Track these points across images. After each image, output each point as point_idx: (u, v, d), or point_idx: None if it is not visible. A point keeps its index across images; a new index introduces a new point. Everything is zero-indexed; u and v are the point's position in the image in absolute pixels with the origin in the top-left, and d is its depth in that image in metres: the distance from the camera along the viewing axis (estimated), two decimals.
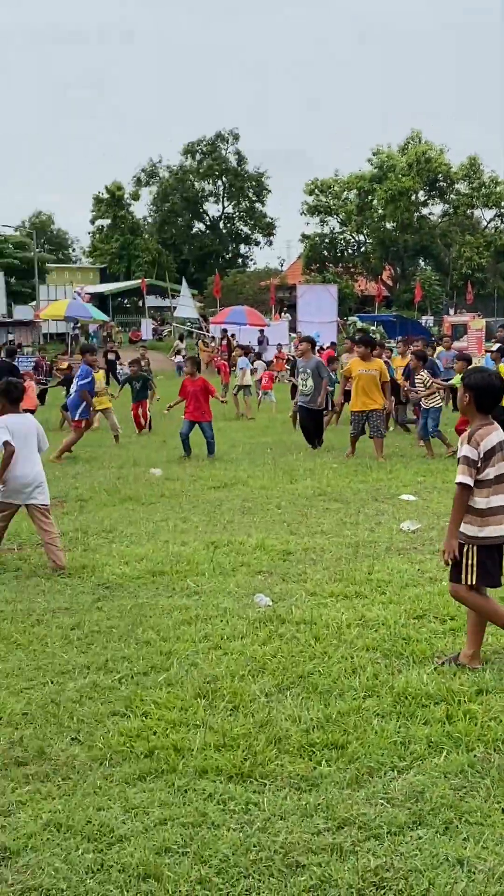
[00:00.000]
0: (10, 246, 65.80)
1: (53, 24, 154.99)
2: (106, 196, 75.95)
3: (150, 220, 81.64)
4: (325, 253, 70.55)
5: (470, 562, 5.41)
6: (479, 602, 5.50)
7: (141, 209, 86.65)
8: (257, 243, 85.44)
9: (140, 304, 63.80)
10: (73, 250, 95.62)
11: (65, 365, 26.26)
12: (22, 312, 54.96)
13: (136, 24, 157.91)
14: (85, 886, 3.51)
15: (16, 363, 21.53)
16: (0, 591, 7.55)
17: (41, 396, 23.67)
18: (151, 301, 63.22)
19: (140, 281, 59.15)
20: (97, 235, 78.15)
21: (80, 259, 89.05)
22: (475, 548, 5.39)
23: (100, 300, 59.47)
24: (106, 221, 77.07)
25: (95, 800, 4.12)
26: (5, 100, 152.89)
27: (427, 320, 56.91)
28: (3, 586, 7.76)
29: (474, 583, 5.43)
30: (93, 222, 79.06)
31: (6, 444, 8.00)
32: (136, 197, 78.95)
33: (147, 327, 57.01)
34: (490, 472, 5.38)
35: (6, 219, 74.61)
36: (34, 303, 57.43)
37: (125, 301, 71.67)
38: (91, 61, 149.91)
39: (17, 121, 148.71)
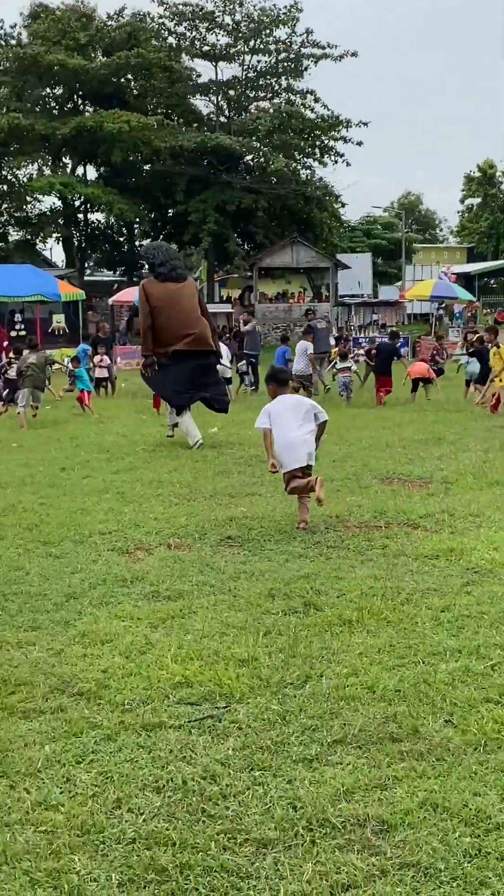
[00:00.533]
0: (379, 227, 66.88)
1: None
2: (477, 174, 74.64)
3: None
4: None
5: None
6: None
7: None
8: None
9: None
10: (441, 230, 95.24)
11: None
12: (387, 293, 55.64)
13: None
14: (462, 869, 3.50)
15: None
16: (369, 568, 7.71)
17: None
18: None
19: None
20: (466, 214, 77.12)
21: (447, 239, 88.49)
22: None
23: (466, 280, 58.75)
24: (476, 200, 75.81)
25: (471, 784, 4.10)
26: (380, 81, 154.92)
27: None
28: (372, 563, 7.92)
29: None
30: (462, 201, 78.13)
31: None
32: None
33: None
34: None
35: (376, 200, 75.85)
36: (400, 283, 57.91)
37: (492, 281, 70.23)
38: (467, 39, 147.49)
39: (390, 101, 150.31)
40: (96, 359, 25.31)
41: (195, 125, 51.64)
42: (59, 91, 50.06)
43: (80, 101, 50.71)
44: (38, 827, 3.86)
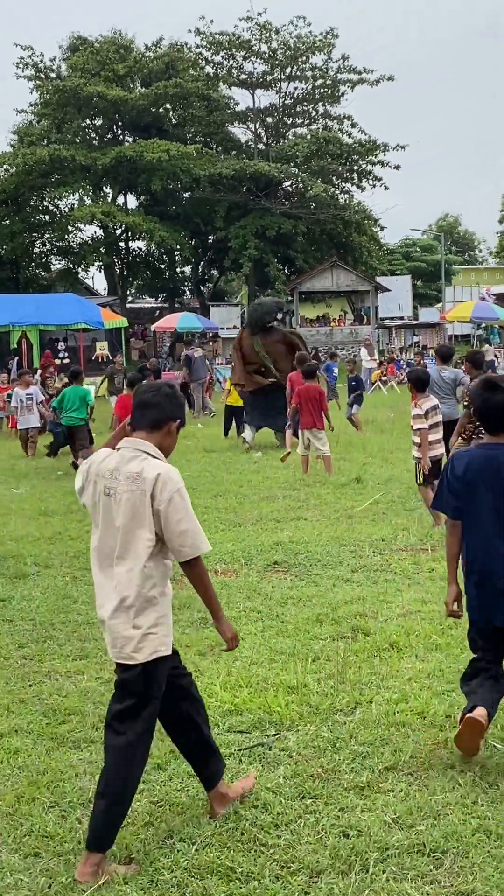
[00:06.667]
0: (418, 249, 66.73)
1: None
2: None
3: None
4: None
5: None
6: None
7: None
8: None
9: None
10: (480, 251, 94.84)
11: None
12: (427, 315, 55.47)
13: None
14: None
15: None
16: (417, 592, 7.67)
17: None
18: None
19: None
20: None
21: (486, 260, 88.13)
22: None
23: None
24: None
25: None
26: (416, 103, 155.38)
27: None
28: (419, 586, 7.88)
29: None
30: (501, 222, 77.74)
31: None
32: None
33: None
34: None
35: (414, 222, 75.81)
36: (440, 305, 57.73)
37: None
38: None
39: (426, 123, 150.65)
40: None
41: (234, 152, 52.04)
42: (98, 122, 50.75)
43: (119, 132, 51.36)
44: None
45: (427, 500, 10.15)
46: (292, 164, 49.05)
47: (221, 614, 4.08)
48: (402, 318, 51.94)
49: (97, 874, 3.69)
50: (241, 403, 19.00)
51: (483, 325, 46.75)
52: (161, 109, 50.55)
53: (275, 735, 4.97)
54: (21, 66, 48.81)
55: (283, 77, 50.62)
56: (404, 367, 30.93)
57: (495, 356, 30.38)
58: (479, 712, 4.40)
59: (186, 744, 4.17)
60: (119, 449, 3.99)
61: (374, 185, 51.15)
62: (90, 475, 4.00)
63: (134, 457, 3.90)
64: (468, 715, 4.43)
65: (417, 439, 10.32)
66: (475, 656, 4.79)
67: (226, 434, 20.07)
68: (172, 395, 4.09)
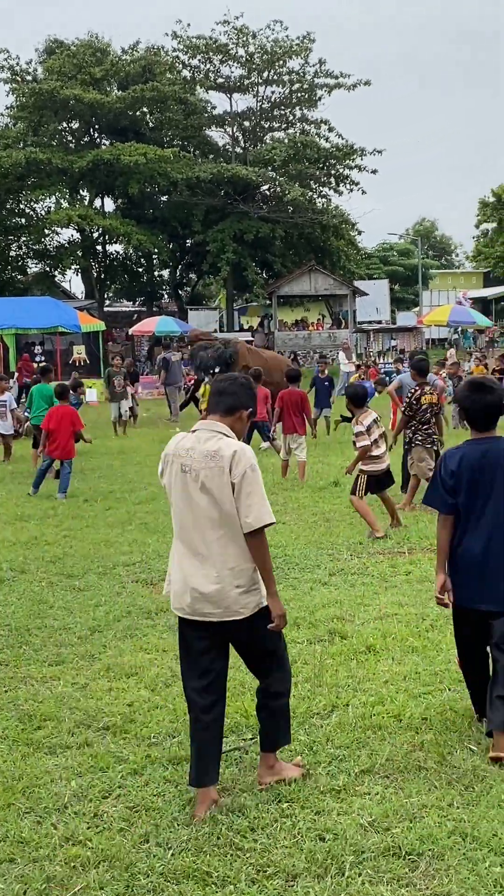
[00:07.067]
0: (395, 254, 67.04)
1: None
2: (492, 200, 74.77)
3: None
4: None
5: None
6: None
7: None
8: None
9: None
10: (457, 255, 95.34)
11: None
12: (405, 319, 55.69)
13: None
14: None
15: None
16: (394, 595, 7.69)
17: None
18: None
19: None
20: (481, 240, 77.21)
21: (463, 264, 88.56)
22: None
23: (483, 305, 58.75)
24: (491, 225, 75.87)
25: (501, 813, 4.07)
26: (393, 108, 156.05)
27: None
28: (396, 589, 7.90)
29: None
30: (477, 226, 78.23)
31: None
32: None
33: None
34: None
35: (391, 227, 76.12)
36: (417, 309, 57.98)
37: None
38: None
39: (403, 128, 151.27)
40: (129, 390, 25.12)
41: (211, 156, 52.02)
42: (75, 125, 50.54)
43: (96, 135, 51.17)
44: (66, 862, 3.86)
45: (359, 510, 10.18)
46: (270, 168, 49.08)
47: (274, 590, 4.34)
48: (379, 322, 52.12)
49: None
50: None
51: (459, 328, 47.01)
52: (138, 113, 50.44)
53: (251, 739, 4.97)
54: None
55: (260, 81, 50.66)
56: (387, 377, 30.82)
57: (458, 361, 30.62)
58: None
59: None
60: (194, 431, 4.39)
61: (352, 190, 51.26)
62: (167, 457, 4.43)
63: (210, 437, 4.31)
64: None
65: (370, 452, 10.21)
66: (467, 669, 5.05)
67: None
68: (247, 385, 4.54)
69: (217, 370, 19.07)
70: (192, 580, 4.27)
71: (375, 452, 10.10)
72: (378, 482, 10.30)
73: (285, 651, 4.59)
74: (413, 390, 11.55)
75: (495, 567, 4.82)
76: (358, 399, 10.41)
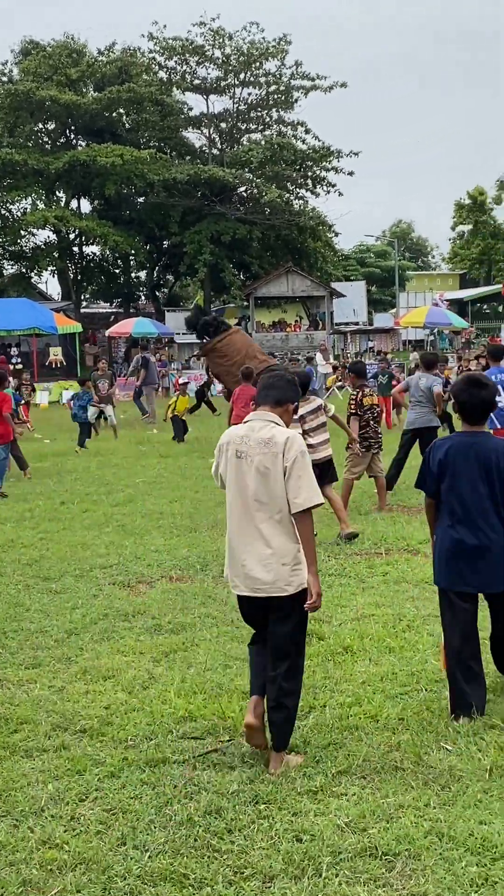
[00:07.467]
0: (372, 255, 67.23)
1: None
2: (467, 202, 75.18)
3: None
4: None
5: None
6: None
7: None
8: None
9: (500, 309, 62.50)
10: (433, 257, 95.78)
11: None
12: (382, 320, 55.87)
13: None
14: None
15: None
16: (371, 596, 7.72)
17: None
18: None
19: (501, 286, 57.91)
20: (457, 241, 77.62)
21: (439, 266, 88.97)
22: None
23: (459, 306, 59.01)
24: (467, 227, 76.31)
25: (476, 812, 4.09)
26: (369, 111, 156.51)
27: None
28: (373, 590, 7.93)
29: None
30: (453, 228, 78.66)
31: None
32: (498, 201, 77.39)
33: None
34: None
35: (368, 229, 76.36)
36: (394, 310, 58.17)
37: (485, 307, 70.52)
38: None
39: (379, 130, 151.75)
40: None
41: (188, 157, 51.96)
42: (51, 126, 50.36)
43: (72, 136, 50.99)
44: (42, 865, 3.85)
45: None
46: (247, 170, 49.07)
47: (315, 568, 4.68)
48: (357, 324, 52.26)
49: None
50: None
51: (435, 330, 47.21)
52: (114, 114, 50.31)
53: (229, 741, 4.97)
54: None
55: (236, 83, 50.64)
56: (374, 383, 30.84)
57: (417, 365, 31.03)
58: None
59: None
60: (247, 421, 4.85)
61: (329, 192, 51.37)
62: (222, 447, 4.89)
63: (264, 426, 4.75)
64: None
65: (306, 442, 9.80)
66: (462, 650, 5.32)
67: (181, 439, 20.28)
68: (292, 381, 5.03)
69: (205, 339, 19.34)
70: (244, 558, 4.70)
71: (311, 441, 9.50)
72: (319, 473, 9.68)
73: (304, 649, 4.94)
74: (355, 393, 11.51)
75: (474, 553, 5.20)
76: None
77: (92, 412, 21.68)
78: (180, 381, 24.03)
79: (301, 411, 9.63)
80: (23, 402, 22.52)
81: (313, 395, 10.26)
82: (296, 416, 9.71)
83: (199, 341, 18.75)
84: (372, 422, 11.36)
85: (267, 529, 4.65)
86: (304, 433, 9.65)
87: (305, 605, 4.62)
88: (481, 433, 5.35)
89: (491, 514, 5.18)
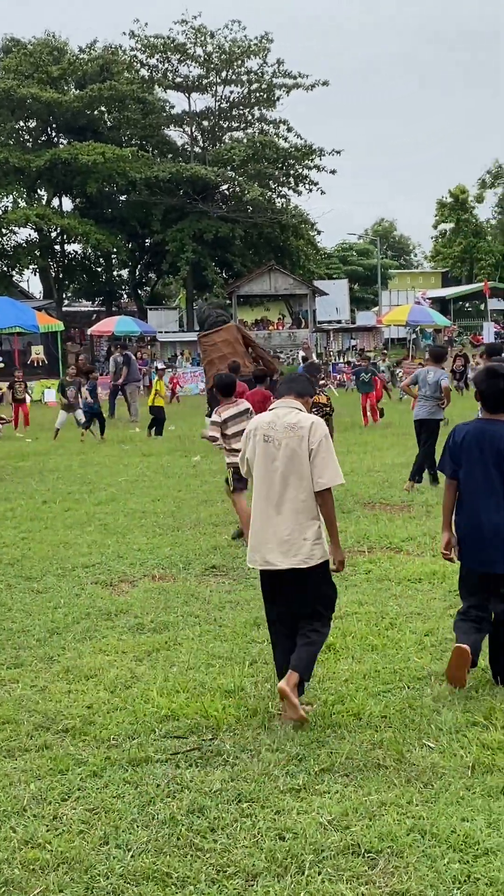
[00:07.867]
0: (354, 254, 67.39)
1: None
2: (449, 200, 75.38)
3: (493, 222, 79.98)
4: None
5: None
6: None
7: (485, 212, 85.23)
8: None
9: (482, 307, 62.70)
10: (415, 255, 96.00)
11: None
12: (364, 318, 55.99)
13: None
14: None
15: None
16: (354, 594, 7.72)
17: None
18: (494, 304, 61.91)
19: (483, 284, 58.15)
20: (440, 240, 77.80)
21: (421, 264, 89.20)
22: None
23: (441, 304, 59.18)
24: (449, 225, 76.50)
25: (459, 810, 4.10)
26: (352, 109, 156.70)
27: None
28: (356, 588, 7.93)
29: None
30: (435, 227, 78.84)
31: None
32: (480, 200, 77.67)
33: (489, 331, 55.89)
34: None
35: (351, 227, 76.46)
36: (377, 308, 58.30)
37: (466, 305, 70.78)
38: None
39: (362, 129, 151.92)
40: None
41: (170, 156, 51.94)
42: (32, 124, 50.21)
43: (54, 134, 50.87)
44: (24, 865, 3.83)
45: (235, 506, 9.76)
46: (229, 168, 49.06)
47: (338, 539, 5.24)
48: (339, 322, 52.34)
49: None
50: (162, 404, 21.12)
51: (418, 328, 47.31)
52: (96, 112, 50.21)
53: (211, 739, 4.97)
54: None
55: (218, 81, 50.64)
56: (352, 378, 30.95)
57: (390, 365, 31.36)
58: (464, 645, 5.35)
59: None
60: (272, 409, 5.33)
61: (311, 190, 51.43)
62: (250, 433, 5.35)
63: (289, 412, 5.23)
64: (456, 644, 5.40)
65: (228, 446, 9.42)
66: (462, 608, 5.69)
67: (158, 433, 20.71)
68: (309, 380, 5.74)
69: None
70: (268, 534, 5.14)
71: (235, 445, 8.87)
72: (239, 477, 9.25)
73: (334, 602, 5.42)
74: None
75: (481, 535, 5.53)
76: (223, 388, 9.57)
77: (62, 419, 21.62)
78: (158, 365, 24.20)
79: (224, 414, 9.43)
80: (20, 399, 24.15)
81: (241, 399, 9.95)
82: (219, 418, 9.42)
83: (189, 339, 19.32)
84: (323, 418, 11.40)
85: (291, 507, 5.09)
86: (224, 437, 9.39)
87: (332, 569, 5.19)
88: (498, 421, 5.65)
89: (501, 497, 5.49)
